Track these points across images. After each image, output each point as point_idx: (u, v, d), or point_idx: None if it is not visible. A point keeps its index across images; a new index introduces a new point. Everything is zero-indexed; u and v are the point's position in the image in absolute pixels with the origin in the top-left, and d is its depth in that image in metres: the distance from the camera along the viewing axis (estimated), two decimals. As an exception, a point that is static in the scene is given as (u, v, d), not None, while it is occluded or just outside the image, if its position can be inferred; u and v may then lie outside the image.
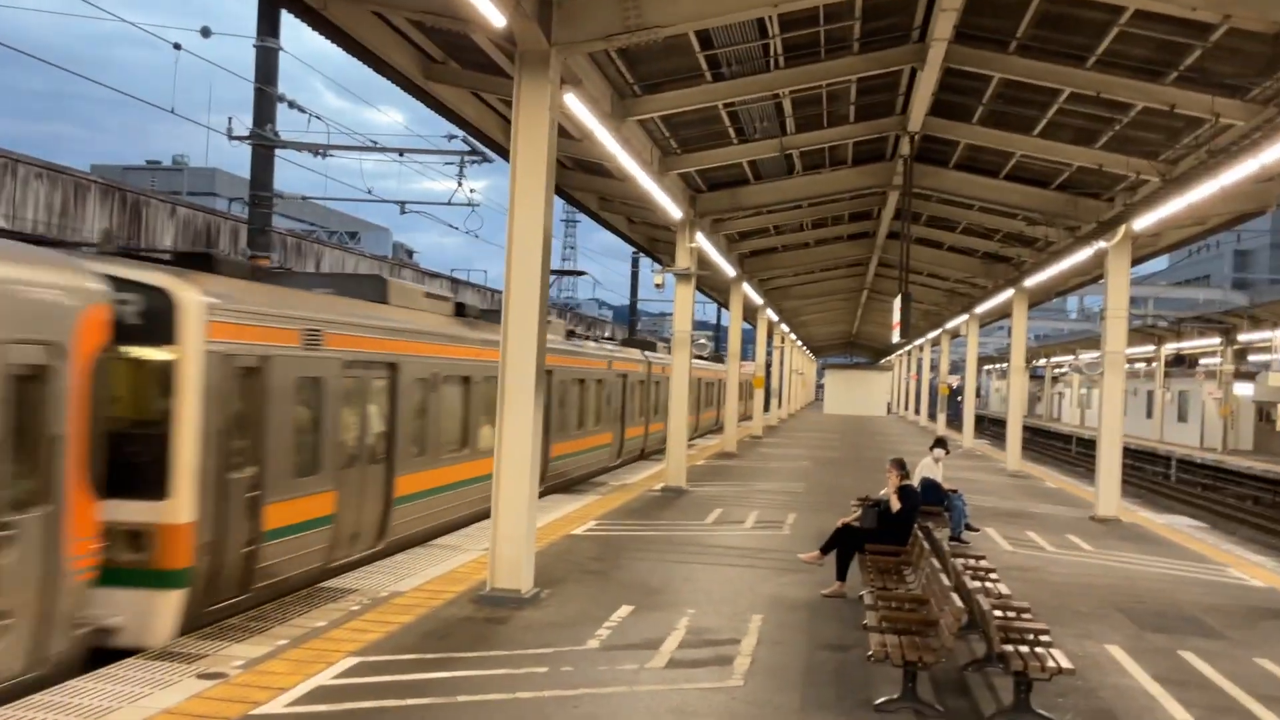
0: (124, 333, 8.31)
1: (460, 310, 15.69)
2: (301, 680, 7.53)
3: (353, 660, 8.09)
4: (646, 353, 30.77)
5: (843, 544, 11.39)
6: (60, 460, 7.26)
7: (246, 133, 17.62)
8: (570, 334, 23.18)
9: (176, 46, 16.45)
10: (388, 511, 12.51)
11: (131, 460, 8.25)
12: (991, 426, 67.34)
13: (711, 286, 36.70)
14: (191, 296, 8.85)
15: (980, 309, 34.68)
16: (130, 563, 8.39)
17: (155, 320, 8.67)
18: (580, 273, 51.06)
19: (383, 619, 9.40)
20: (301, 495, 10.50)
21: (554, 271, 20.43)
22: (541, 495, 14.08)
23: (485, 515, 11.74)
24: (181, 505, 8.59)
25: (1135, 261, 21.44)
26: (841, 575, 11.27)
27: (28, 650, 7.05)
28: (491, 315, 15.93)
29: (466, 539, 13.83)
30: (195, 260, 9.85)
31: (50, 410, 7.21)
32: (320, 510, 10.89)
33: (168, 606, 8.51)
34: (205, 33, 17.97)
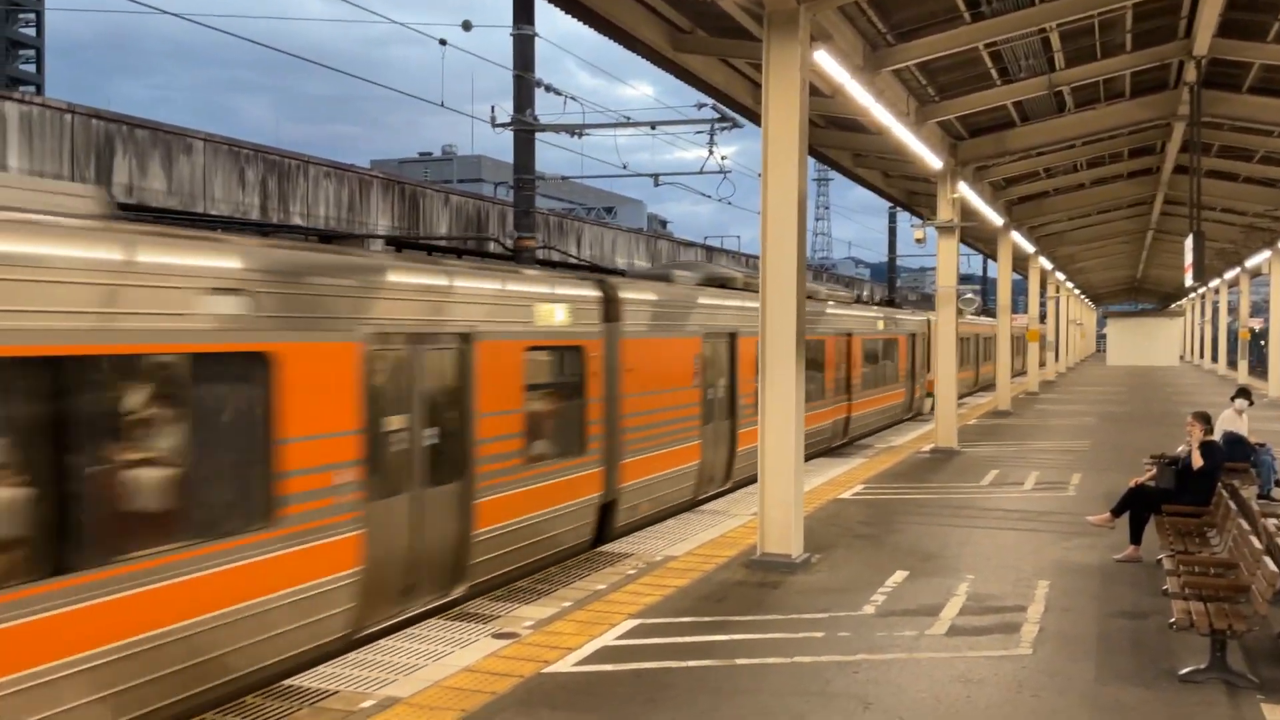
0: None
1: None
2: (587, 641, 7.89)
3: (633, 622, 8.39)
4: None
5: (1136, 505, 10.70)
6: (910, 364, 28.09)
7: (508, 120, 18.37)
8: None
9: (442, 42, 17.35)
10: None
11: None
12: (1303, 373, 61.06)
13: (976, 237, 35.27)
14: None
15: (1286, 244, 31.50)
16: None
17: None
18: None
19: (659, 582, 9.68)
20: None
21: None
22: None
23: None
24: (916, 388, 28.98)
25: None
26: (1136, 539, 10.61)
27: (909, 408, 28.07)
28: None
29: (734, 504, 14.02)
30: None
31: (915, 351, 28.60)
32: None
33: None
34: (466, 26, 18.85)
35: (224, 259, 7.16)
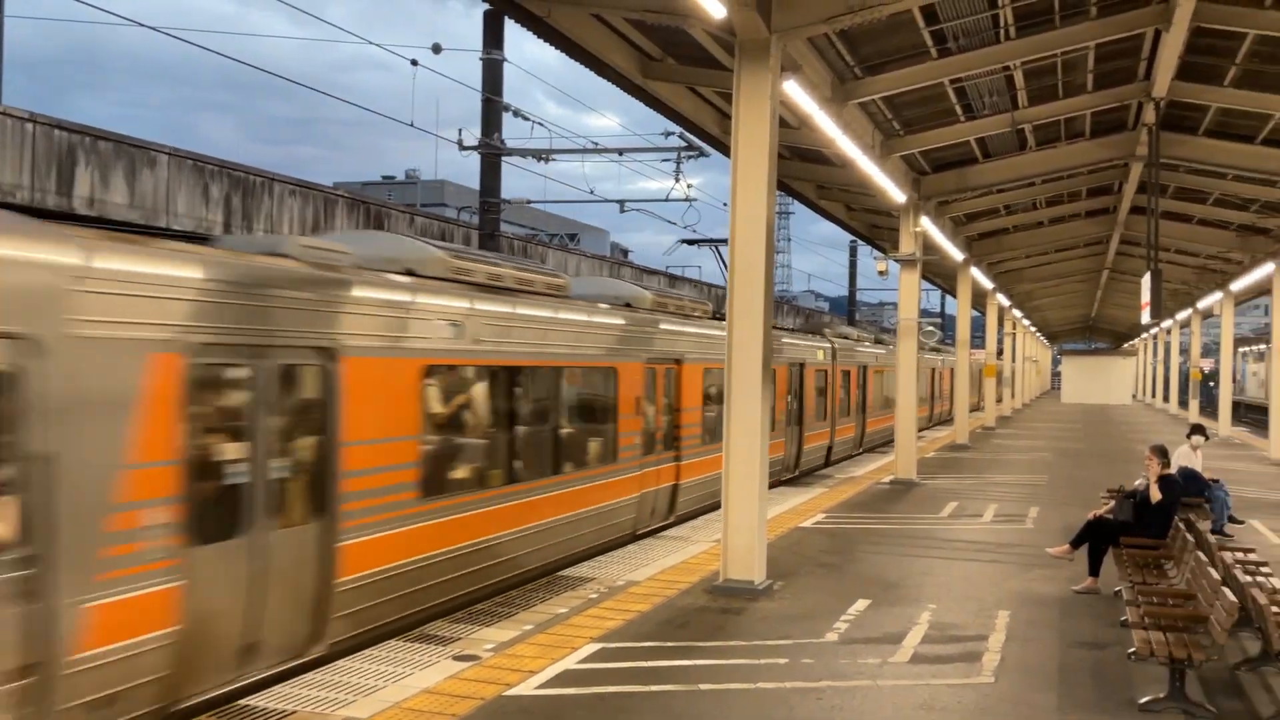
0: None
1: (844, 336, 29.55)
2: (549, 664, 7.81)
3: (595, 646, 8.32)
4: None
5: (1095, 537, 10.81)
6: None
7: (476, 143, 18.42)
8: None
9: (414, 63, 17.34)
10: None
11: None
12: (1248, 413, 62.31)
13: (936, 272, 35.63)
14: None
15: (1236, 285, 32.09)
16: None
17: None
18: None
19: (621, 607, 9.62)
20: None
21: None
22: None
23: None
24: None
25: None
26: (1094, 570, 10.70)
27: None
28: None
29: (695, 530, 13.98)
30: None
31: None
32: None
33: None
34: (436, 49, 18.84)
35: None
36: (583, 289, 14.08)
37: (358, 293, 8.63)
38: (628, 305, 14.51)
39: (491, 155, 18.56)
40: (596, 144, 20.34)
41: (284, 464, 7.86)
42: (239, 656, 7.37)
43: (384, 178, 61.60)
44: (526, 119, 20.28)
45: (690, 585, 10.57)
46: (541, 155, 20.69)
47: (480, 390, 10.60)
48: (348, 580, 8.36)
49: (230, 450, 7.40)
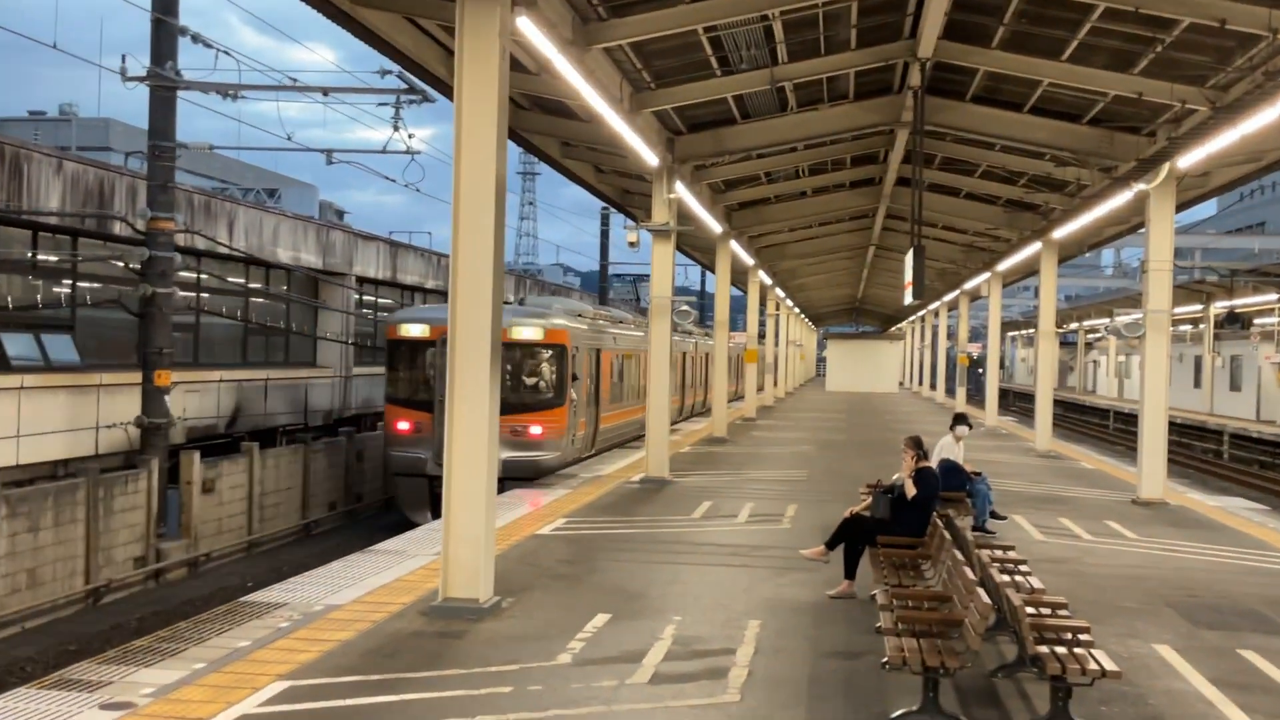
0: None
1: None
2: (222, 709, 7.47)
3: (282, 685, 8.03)
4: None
5: (851, 537, 11.38)
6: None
7: (144, 73, 17.35)
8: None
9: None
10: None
11: None
12: (1017, 402, 67.73)
13: (695, 246, 36.57)
14: None
15: (1003, 265, 34.72)
16: None
17: None
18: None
19: (317, 636, 9.34)
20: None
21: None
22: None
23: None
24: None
25: (1181, 206, 21.46)
26: (850, 573, 11.28)
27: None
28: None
29: (413, 544, 13.78)
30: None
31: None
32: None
33: None
34: (91, -45, 17.64)
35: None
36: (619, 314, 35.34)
37: (600, 329, 27.43)
38: (623, 320, 32.57)
39: (162, 88, 17.54)
40: (295, 80, 19.61)
41: (592, 385, 25.51)
42: (582, 447, 24.81)
43: (31, 113, 57.22)
44: (209, 46, 19.33)
45: (404, 607, 10.41)
46: (228, 91, 19.77)
47: (619, 363, 27.59)
48: (603, 427, 26.85)
49: (588, 379, 24.96)
